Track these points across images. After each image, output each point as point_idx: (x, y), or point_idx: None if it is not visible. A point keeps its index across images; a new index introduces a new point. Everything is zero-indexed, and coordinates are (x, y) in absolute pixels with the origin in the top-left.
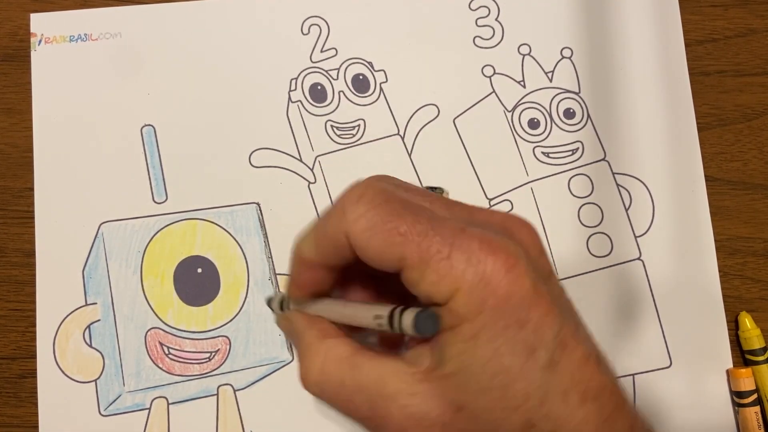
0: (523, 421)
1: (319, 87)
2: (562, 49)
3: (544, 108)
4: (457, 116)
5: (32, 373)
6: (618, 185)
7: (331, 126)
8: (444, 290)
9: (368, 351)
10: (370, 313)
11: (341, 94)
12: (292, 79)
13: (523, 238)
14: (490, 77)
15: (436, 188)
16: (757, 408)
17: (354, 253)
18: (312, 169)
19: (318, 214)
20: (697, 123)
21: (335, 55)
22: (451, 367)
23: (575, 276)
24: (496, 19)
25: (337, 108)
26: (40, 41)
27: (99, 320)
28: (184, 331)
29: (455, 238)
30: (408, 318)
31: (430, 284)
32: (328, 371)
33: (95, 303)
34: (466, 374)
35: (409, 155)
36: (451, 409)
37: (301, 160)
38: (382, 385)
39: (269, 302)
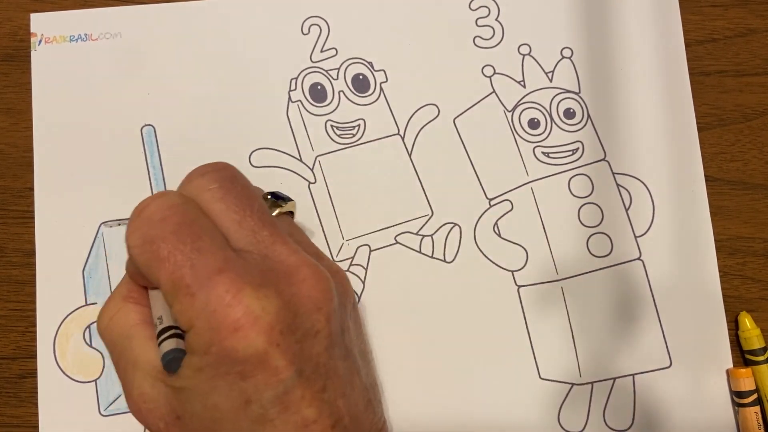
0: None
1: (319, 87)
2: (562, 49)
3: (544, 108)
4: (457, 116)
5: (32, 373)
6: (618, 185)
7: (331, 126)
8: (184, 322)
9: (148, 329)
10: (158, 313)
11: (341, 94)
12: (292, 79)
13: (300, 290)
14: (490, 77)
15: (281, 198)
16: (757, 408)
17: None
18: (312, 169)
19: (318, 214)
20: (697, 123)
21: (335, 55)
22: (179, 384)
23: (575, 276)
24: (496, 19)
25: (337, 108)
26: (40, 41)
27: None
28: None
29: (207, 279)
30: (163, 347)
31: (177, 312)
32: (110, 329)
33: (95, 303)
34: (187, 395)
35: (409, 155)
36: (173, 414)
37: (301, 160)
38: (135, 366)
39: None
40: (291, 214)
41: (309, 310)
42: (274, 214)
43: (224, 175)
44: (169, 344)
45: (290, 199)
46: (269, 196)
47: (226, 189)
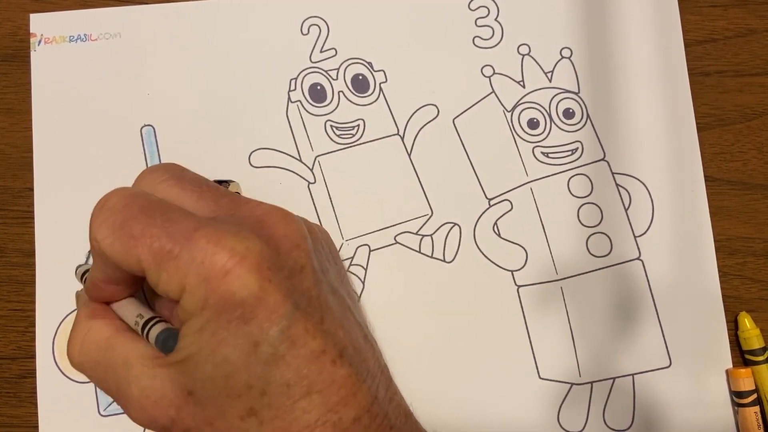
0: (246, 409)
1: (318, 87)
2: (561, 49)
3: (544, 108)
4: (457, 116)
5: (32, 373)
6: (617, 185)
7: (331, 126)
8: (174, 288)
9: (127, 334)
10: (135, 314)
11: (341, 94)
12: (291, 79)
13: (275, 231)
14: (489, 77)
15: (224, 181)
16: (757, 408)
17: None
18: (312, 169)
19: (318, 214)
20: (697, 123)
21: (335, 55)
22: (182, 356)
23: (575, 276)
24: (496, 19)
25: (336, 108)
26: (39, 41)
27: None
28: None
29: (185, 238)
30: (153, 333)
31: (164, 283)
32: (86, 351)
33: None
34: (194, 363)
35: (409, 155)
36: (183, 393)
37: (300, 160)
38: (127, 367)
39: (75, 272)
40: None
41: (288, 248)
42: None
43: (173, 168)
44: (158, 327)
45: (232, 181)
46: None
47: (178, 176)
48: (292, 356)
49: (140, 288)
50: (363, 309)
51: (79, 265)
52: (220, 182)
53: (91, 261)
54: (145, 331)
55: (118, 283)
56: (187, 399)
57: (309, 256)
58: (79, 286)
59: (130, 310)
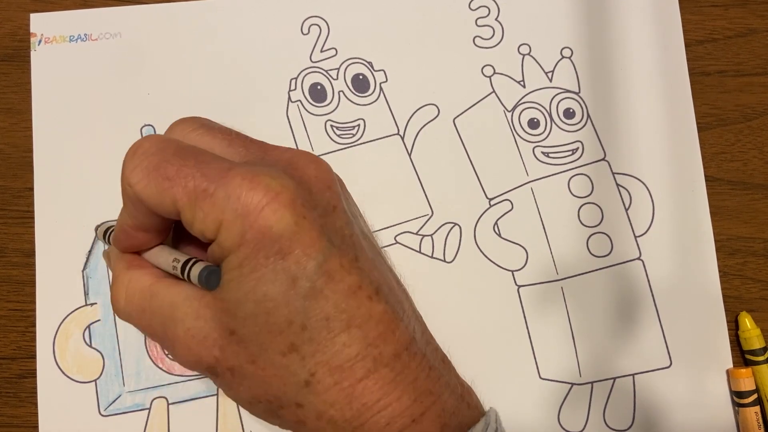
0: (287, 344)
1: (319, 87)
2: (562, 49)
3: (544, 108)
4: (457, 116)
5: (32, 373)
6: (618, 185)
7: (331, 126)
8: (211, 226)
9: (167, 279)
10: (170, 259)
11: (341, 93)
12: (291, 79)
13: (306, 173)
14: (490, 77)
15: None
16: (757, 408)
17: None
18: None
19: None
20: (697, 123)
21: (335, 54)
22: (223, 294)
23: (575, 276)
24: (496, 19)
25: (336, 108)
26: (40, 41)
27: (99, 320)
28: None
29: (220, 177)
30: (195, 271)
31: (200, 222)
32: (131, 299)
33: (95, 303)
34: (234, 301)
35: (409, 155)
36: (225, 332)
37: None
38: (173, 309)
39: (96, 229)
40: None
41: (320, 188)
42: None
43: (202, 119)
44: (199, 266)
45: None
46: None
47: (208, 126)
48: (330, 290)
49: (168, 236)
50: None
51: (99, 224)
52: None
53: (91, 266)
54: (185, 272)
55: (148, 230)
56: (230, 338)
57: (339, 198)
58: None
59: (163, 256)
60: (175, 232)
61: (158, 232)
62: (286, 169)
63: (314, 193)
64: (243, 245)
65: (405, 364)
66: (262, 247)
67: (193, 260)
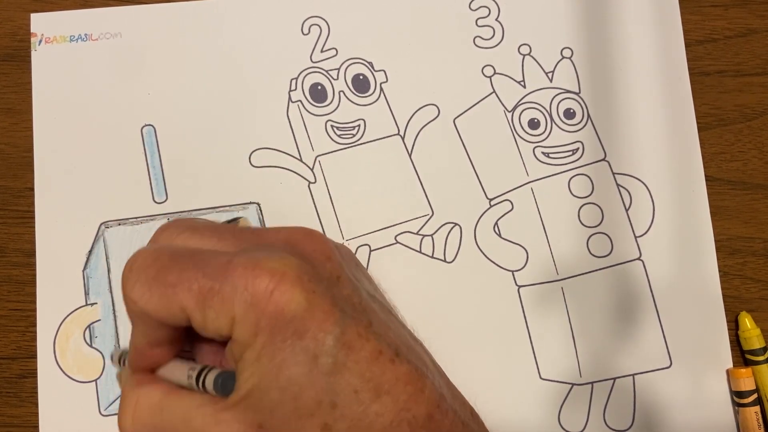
0: (321, 425)
1: (319, 87)
2: (562, 49)
3: (545, 108)
4: (458, 116)
5: (32, 373)
6: (618, 185)
7: (332, 126)
8: (224, 323)
9: (178, 391)
10: (185, 371)
11: (341, 94)
12: (292, 79)
13: (305, 248)
14: (490, 77)
15: (232, 220)
16: (757, 408)
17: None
18: (312, 169)
19: (318, 214)
20: (697, 123)
21: (335, 55)
22: (244, 391)
23: (575, 276)
24: (496, 19)
25: (337, 108)
26: (40, 41)
27: (99, 320)
28: None
29: (222, 272)
30: (209, 380)
31: (212, 321)
32: (139, 418)
33: (95, 303)
34: (258, 394)
35: (409, 155)
36: (253, 429)
37: (301, 160)
38: (188, 421)
39: (111, 357)
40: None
41: (321, 260)
42: None
43: (184, 221)
44: (213, 373)
45: (240, 217)
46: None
47: (193, 228)
48: (353, 361)
49: (182, 347)
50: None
51: (114, 351)
52: (229, 221)
53: (91, 265)
54: (200, 382)
55: (162, 344)
56: None
57: (341, 267)
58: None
59: (178, 368)
60: (188, 338)
61: (171, 343)
62: (285, 248)
63: (317, 267)
64: (259, 334)
65: (438, 423)
66: (278, 331)
67: (207, 369)
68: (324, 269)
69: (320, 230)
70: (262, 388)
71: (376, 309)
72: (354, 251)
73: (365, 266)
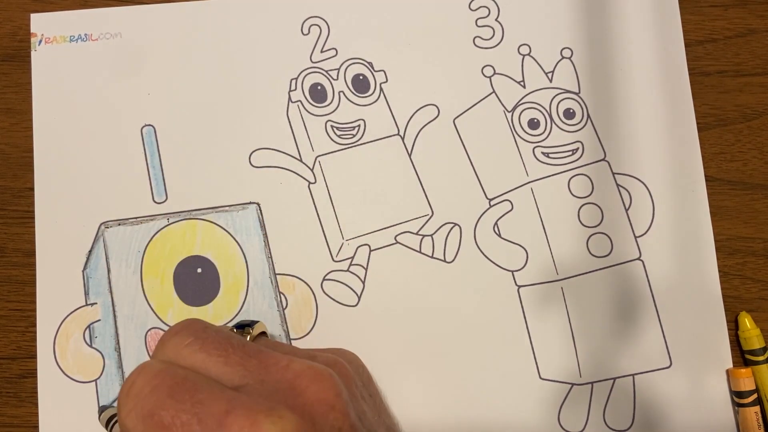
0: None
1: (319, 87)
2: (562, 50)
3: (544, 108)
4: (457, 116)
5: (32, 373)
6: (618, 185)
7: (331, 126)
8: None
9: None
10: None
11: (341, 94)
12: (292, 79)
13: (308, 398)
14: (490, 77)
15: (246, 325)
16: (757, 408)
17: None
18: (312, 169)
19: (318, 214)
20: (697, 123)
21: (335, 55)
22: None
23: (575, 276)
24: (496, 20)
25: (337, 108)
26: (40, 41)
27: (99, 320)
28: None
29: (218, 426)
30: None
31: None
32: None
33: (95, 303)
34: None
35: (409, 155)
36: None
37: (301, 160)
38: None
39: (99, 414)
40: (264, 333)
41: (324, 412)
42: (249, 340)
43: (196, 328)
44: None
45: (256, 321)
46: (235, 329)
47: (202, 339)
48: None
49: None
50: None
51: (103, 407)
52: (243, 326)
53: (91, 264)
54: None
55: None
56: None
57: (346, 415)
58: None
59: None
60: None
61: None
62: (287, 399)
63: (317, 422)
64: None
65: None
66: None
67: None
68: (326, 421)
69: (320, 230)
70: None
71: None
72: (354, 251)
73: (365, 267)
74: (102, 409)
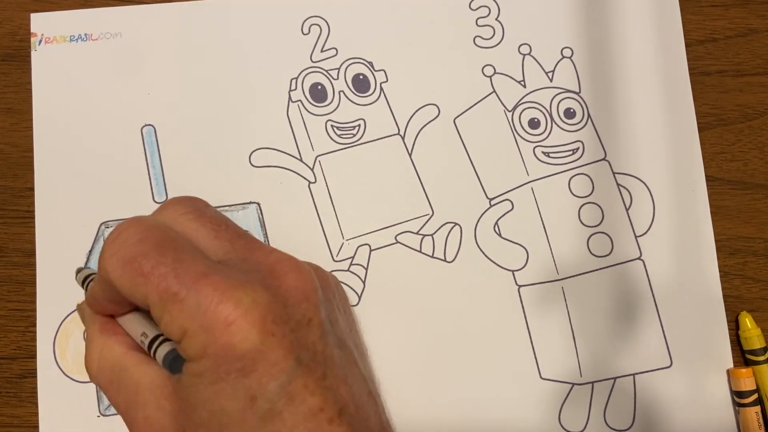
0: None
1: (319, 87)
2: (562, 49)
3: (545, 108)
4: (458, 116)
5: (32, 373)
6: (618, 185)
7: (332, 126)
8: (176, 331)
9: (138, 354)
10: (139, 330)
11: (341, 93)
12: (292, 79)
13: (284, 282)
14: (490, 77)
15: None
16: (758, 408)
17: None
18: (312, 169)
19: (318, 214)
20: (698, 123)
21: (335, 54)
22: (183, 395)
23: (575, 276)
24: (497, 19)
25: (337, 108)
26: (40, 41)
27: None
28: None
29: (193, 282)
30: (160, 352)
31: (166, 324)
32: (102, 369)
33: None
34: (191, 404)
35: (410, 155)
36: (180, 430)
37: (301, 160)
38: (137, 392)
39: (77, 273)
40: None
41: (297, 300)
42: None
43: (196, 202)
44: (165, 347)
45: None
46: None
47: (200, 211)
48: (289, 413)
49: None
50: (370, 362)
51: (80, 269)
52: None
53: (91, 264)
54: (152, 350)
55: (119, 303)
56: None
57: (317, 309)
58: (80, 291)
59: (134, 325)
60: None
61: (128, 305)
62: (265, 278)
63: (289, 306)
64: (205, 357)
65: None
66: (224, 362)
67: (161, 339)
68: (297, 309)
69: (320, 230)
70: (196, 403)
71: (338, 360)
72: (354, 251)
73: (365, 266)
74: (79, 270)
